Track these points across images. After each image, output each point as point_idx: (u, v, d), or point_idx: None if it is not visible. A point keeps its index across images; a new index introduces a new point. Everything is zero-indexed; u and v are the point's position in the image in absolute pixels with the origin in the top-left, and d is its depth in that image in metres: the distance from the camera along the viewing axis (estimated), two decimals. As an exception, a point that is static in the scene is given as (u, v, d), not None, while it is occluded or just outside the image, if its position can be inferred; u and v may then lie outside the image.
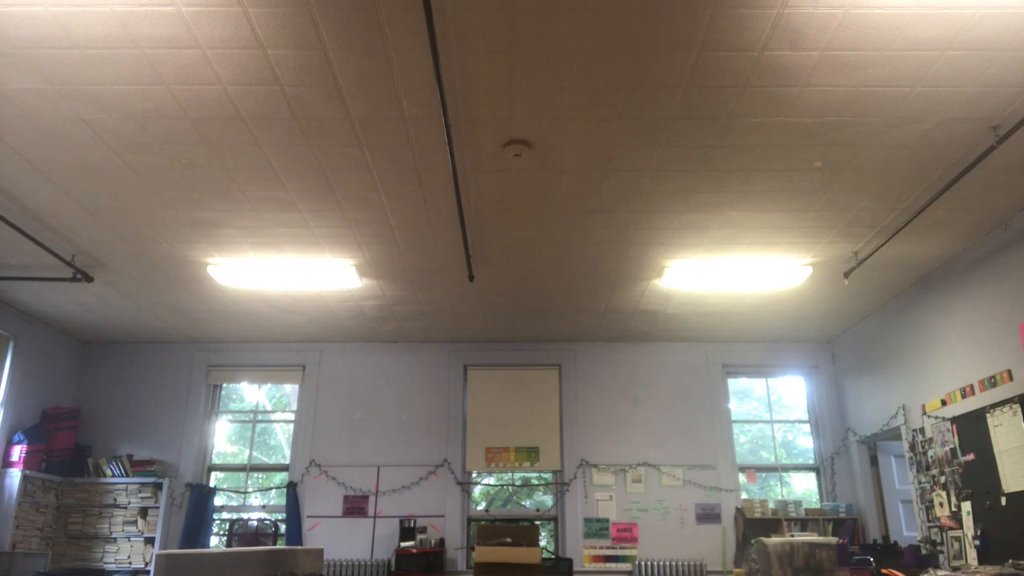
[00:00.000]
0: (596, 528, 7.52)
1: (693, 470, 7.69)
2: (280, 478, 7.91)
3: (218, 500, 7.68)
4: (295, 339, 7.95)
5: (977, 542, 5.45)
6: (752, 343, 8.09)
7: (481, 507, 7.80)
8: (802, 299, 6.71)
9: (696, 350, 8.10)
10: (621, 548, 7.45)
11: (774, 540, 3.89)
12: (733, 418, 8.02)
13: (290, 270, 5.91)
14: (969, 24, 3.27)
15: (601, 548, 7.45)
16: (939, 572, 2.39)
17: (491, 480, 8.00)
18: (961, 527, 5.68)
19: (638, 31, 3.33)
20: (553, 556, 7.23)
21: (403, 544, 7.10)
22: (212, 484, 7.80)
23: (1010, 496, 5.14)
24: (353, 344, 8.06)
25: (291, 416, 8.07)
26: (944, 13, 3.20)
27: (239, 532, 7.39)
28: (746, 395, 8.79)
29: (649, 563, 7.28)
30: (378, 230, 5.34)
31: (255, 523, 7.46)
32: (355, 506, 7.56)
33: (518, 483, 7.84)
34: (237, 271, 5.91)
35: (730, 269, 5.95)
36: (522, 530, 5.46)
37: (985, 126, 4.04)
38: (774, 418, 8.51)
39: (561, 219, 5.19)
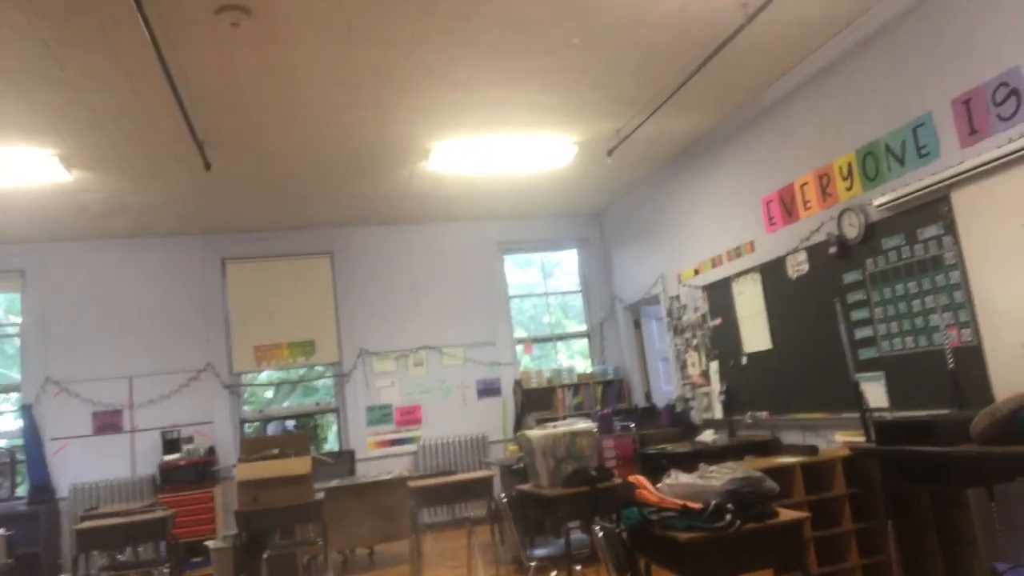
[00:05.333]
0: (379, 415, 7.41)
1: (473, 348, 7.72)
2: (15, 399, 6.87)
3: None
4: (7, 240, 6.68)
5: (722, 397, 5.97)
6: (526, 219, 8.06)
7: (251, 409, 7.35)
8: (571, 175, 6.65)
9: (472, 229, 7.93)
10: (406, 431, 7.44)
11: (536, 433, 3.89)
12: (510, 293, 8.08)
13: (-30, 164, 4.77)
14: None
15: (386, 434, 7.39)
16: (680, 476, 2.40)
17: (263, 378, 7.52)
18: (709, 384, 6.19)
19: None
20: (336, 452, 7.01)
21: (167, 458, 6.54)
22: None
23: (749, 356, 5.62)
24: (82, 243, 6.94)
25: (14, 329, 6.93)
26: None
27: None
28: (527, 264, 8.89)
29: (433, 442, 7.35)
30: (78, 114, 4.38)
31: (-12, 451, 6.48)
32: (107, 422, 6.79)
33: (295, 379, 7.44)
34: None
35: (498, 149, 5.67)
36: (290, 439, 5.13)
37: (736, 3, 3.94)
38: (549, 290, 8.74)
39: (301, 97, 4.53)
